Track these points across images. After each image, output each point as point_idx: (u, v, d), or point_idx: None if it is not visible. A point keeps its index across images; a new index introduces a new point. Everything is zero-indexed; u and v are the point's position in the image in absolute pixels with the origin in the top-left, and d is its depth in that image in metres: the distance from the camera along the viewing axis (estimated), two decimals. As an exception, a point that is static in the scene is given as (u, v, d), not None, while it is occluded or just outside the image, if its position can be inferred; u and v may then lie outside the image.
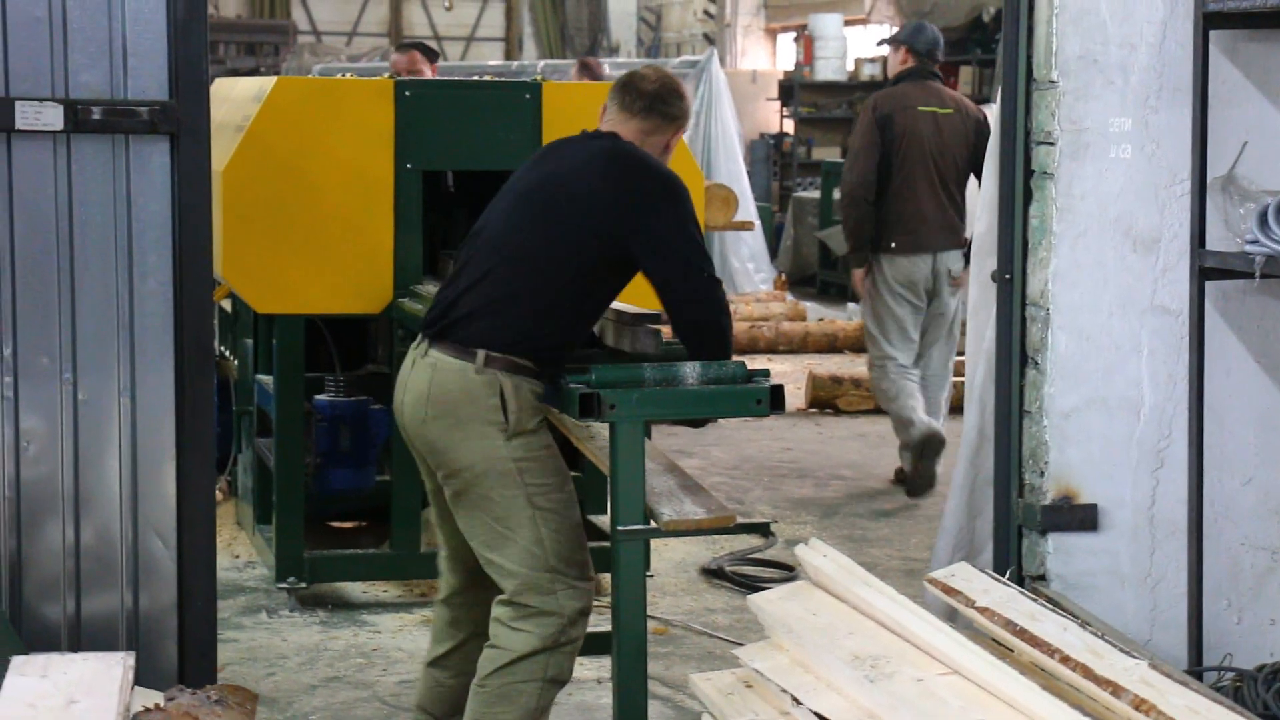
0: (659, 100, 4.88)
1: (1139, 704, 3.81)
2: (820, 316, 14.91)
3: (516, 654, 4.59)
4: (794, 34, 23.44)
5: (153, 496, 4.72)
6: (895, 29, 9.10)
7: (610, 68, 20.76)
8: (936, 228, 8.59)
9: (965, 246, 8.33)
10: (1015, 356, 5.08)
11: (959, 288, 8.56)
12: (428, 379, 4.65)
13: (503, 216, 4.77)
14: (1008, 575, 4.98)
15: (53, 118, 4.52)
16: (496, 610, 4.64)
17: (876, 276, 8.66)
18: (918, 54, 8.79)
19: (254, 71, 22.87)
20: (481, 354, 4.58)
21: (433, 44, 19.13)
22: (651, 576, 6.77)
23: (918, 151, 8.57)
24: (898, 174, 8.56)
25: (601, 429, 4.83)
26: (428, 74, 9.59)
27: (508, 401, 4.58)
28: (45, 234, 4.58)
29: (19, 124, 4.50)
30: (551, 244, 4.65)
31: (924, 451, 8.43)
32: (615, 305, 5.03)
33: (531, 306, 4.62)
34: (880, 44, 9.31)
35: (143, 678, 4.51)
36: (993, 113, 5.42)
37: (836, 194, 8.95)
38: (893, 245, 8.57)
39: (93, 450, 4.67)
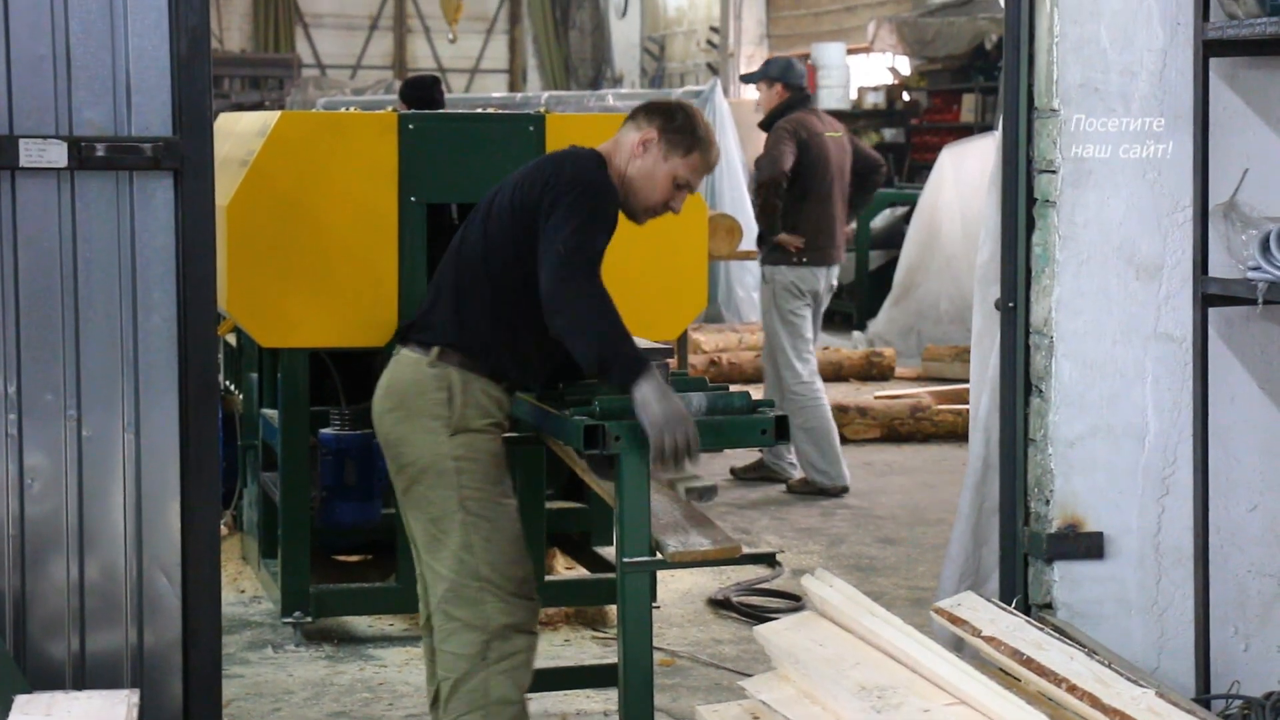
0: (644, 107, 4.87)
1: (1146, 733, 3.81)
2: (825, 345, 14.90)
3: (453, 679, 4.62)
4: (797, 63, 23.47)
5: (157, 532, 4.71)
6: (759, 67, 9.90)
7: (614, 98, 20.81)
8: (836, 244, 9.48)
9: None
10: (1020, 385, 5.08)
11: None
12: (391, 372, 4.77)
13: (461, 235, 4.85)
14: (1014, 604, 4.97)
15: (57, 155, 4.53)
16: (434, 626, 4.70)
17: (785, 289, 9.41)
18: (796, 86, 9.60)
19: (259, 105, 22.93)
20: (436, 349, 4.66)
21: (436, 75, 19.13)
22: (658, 608, 6.75)
23: (828, 175, 9.41)
24: (812, 195, 9.38)
25: (606, 461, 4.83)
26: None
27: (454, 396, 4.63)
28: (49, 271, 4.58)
29: (23, 161, 4.51)
30: (489, 244, 4.69)
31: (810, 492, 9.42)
32: None
33: (476, 305, 4.66)
34: (748, 80, 9.94)
35: (148, 715, 4.50)
36: (994, 140, 5.43)
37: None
38: (804, 260, 9.36)
39: (97, 486, 4.67)
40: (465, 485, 4.62)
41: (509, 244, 4.66)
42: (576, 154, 4.78)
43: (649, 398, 4.42)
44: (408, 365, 4.71)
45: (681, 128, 4.78)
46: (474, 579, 4.60)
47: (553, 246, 4.52)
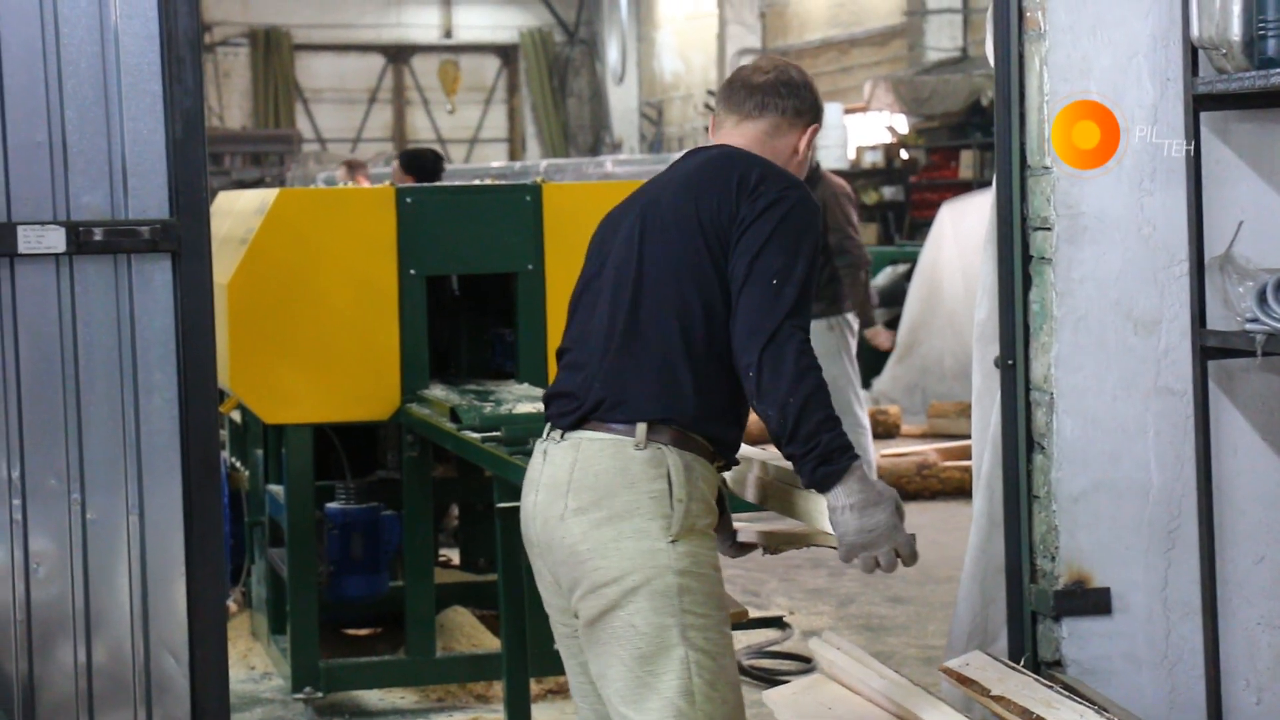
0: (774, 93, 3.94)
1: (1158, 790, 3.79)
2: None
3: None
4: (795, 124, 23.55)
5: (164, 613, 4.71)
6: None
7: (613, 164, 20.87)
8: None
9: None
10: (1021, 442, 5.07)
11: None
12: (570, 461, 3.71)
13: (613, 272, 3.82)
14: (1023, 662, 4.96)
15: (55, 240, 4.55)
16: None
17: (846, 336, 9.75)
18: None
19: (259, 181, 23.03)
20: (642, 426, 3.65)
21: (436, 147, 19.24)
22: (668, 674, 6.72)
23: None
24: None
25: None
26: None
27: (675, 487, 3.65)
28: (50, 355, 4.60)
29: (21, 248, 4.53)
30: (676, 284, 3.72)
31: None
32: None
33: (682, 368, 3.69)
34: None
35: (158, 796, 4.49)
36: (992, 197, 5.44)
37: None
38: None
39: (103, 569, 4.67)
40: (689, 610, 3.63)
41: (700, 290, 3.70)
42: (753, 159, 3.85)
43: (841, 508, 3.65)
44: (602, 450, 3.66)
45: (817, 104, 4.04)
46: None
47: (765, 276, 3.63)
